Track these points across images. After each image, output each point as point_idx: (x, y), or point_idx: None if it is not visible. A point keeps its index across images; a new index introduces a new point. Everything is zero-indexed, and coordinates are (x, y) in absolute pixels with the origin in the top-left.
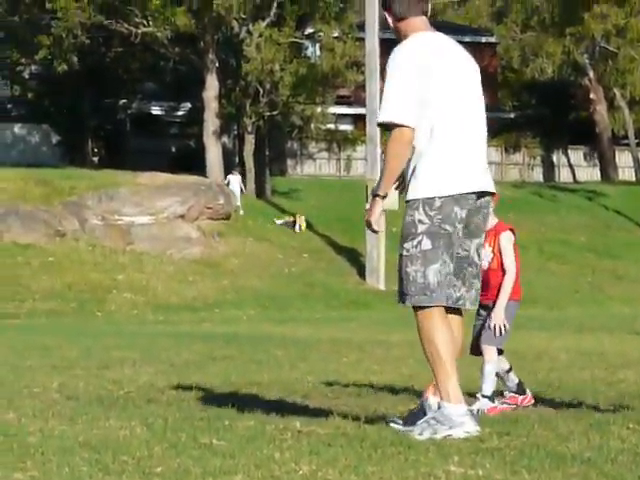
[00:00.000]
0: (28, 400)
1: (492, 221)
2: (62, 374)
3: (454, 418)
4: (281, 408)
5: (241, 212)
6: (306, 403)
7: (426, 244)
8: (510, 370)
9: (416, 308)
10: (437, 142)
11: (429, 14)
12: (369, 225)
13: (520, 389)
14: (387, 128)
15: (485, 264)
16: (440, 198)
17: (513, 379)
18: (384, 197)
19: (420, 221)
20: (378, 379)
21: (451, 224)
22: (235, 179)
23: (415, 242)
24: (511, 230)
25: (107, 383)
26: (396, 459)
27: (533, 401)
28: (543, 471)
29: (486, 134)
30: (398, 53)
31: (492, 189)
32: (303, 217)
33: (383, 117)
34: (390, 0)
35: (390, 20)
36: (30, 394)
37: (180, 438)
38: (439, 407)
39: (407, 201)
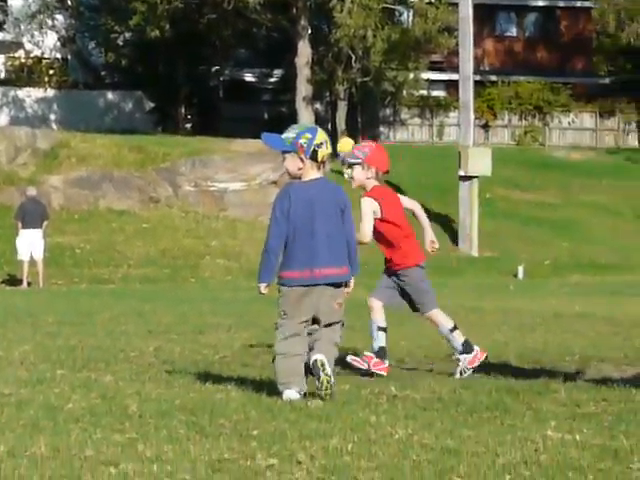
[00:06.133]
0: (125, 364)
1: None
2: (158, 339)
3: None
4: (375, 373)
5: None
6: (401, 368)
7: None
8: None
9: None
10: None
11: None
12: None
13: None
14: None
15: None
16: None
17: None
18: None
19: None
20: None
21: None
22: None
23: None
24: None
25: (202, 348)
26: (492, 423)
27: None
28: None
29: None
30: None
31: None
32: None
33: None
34: None
35: None
36: (127, 358)
37: (276, 402)
38: None
39: None
